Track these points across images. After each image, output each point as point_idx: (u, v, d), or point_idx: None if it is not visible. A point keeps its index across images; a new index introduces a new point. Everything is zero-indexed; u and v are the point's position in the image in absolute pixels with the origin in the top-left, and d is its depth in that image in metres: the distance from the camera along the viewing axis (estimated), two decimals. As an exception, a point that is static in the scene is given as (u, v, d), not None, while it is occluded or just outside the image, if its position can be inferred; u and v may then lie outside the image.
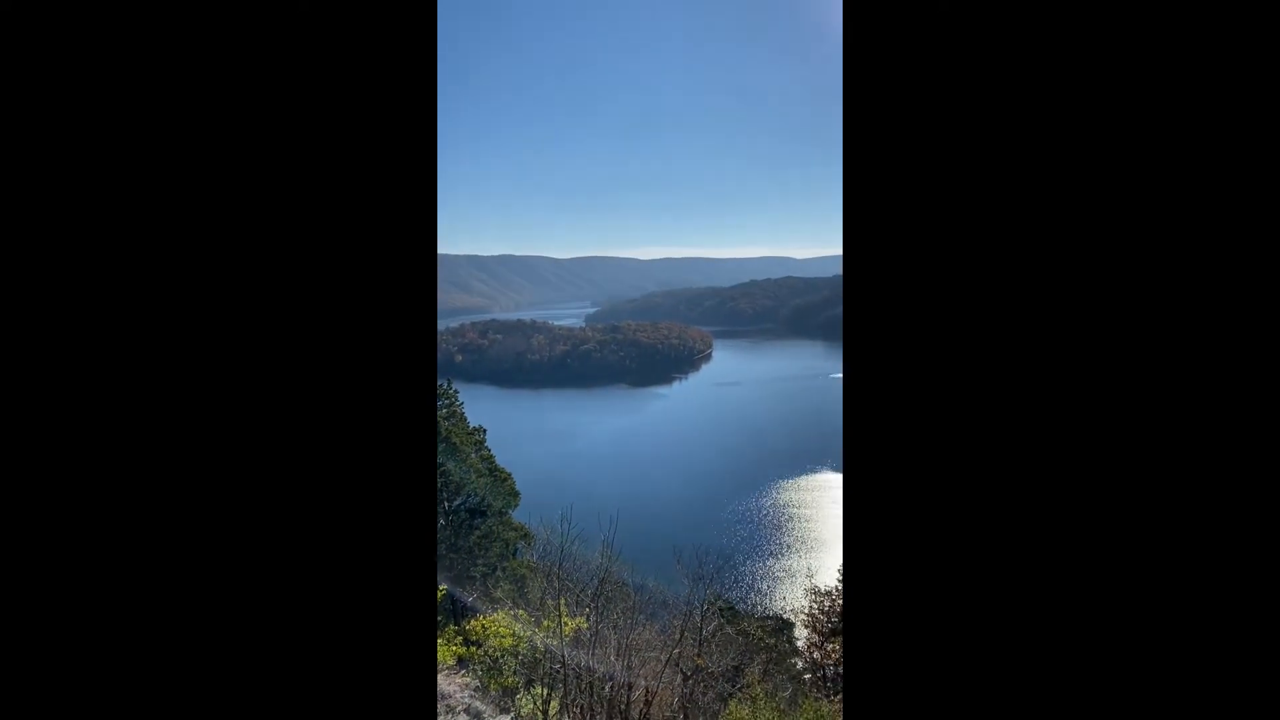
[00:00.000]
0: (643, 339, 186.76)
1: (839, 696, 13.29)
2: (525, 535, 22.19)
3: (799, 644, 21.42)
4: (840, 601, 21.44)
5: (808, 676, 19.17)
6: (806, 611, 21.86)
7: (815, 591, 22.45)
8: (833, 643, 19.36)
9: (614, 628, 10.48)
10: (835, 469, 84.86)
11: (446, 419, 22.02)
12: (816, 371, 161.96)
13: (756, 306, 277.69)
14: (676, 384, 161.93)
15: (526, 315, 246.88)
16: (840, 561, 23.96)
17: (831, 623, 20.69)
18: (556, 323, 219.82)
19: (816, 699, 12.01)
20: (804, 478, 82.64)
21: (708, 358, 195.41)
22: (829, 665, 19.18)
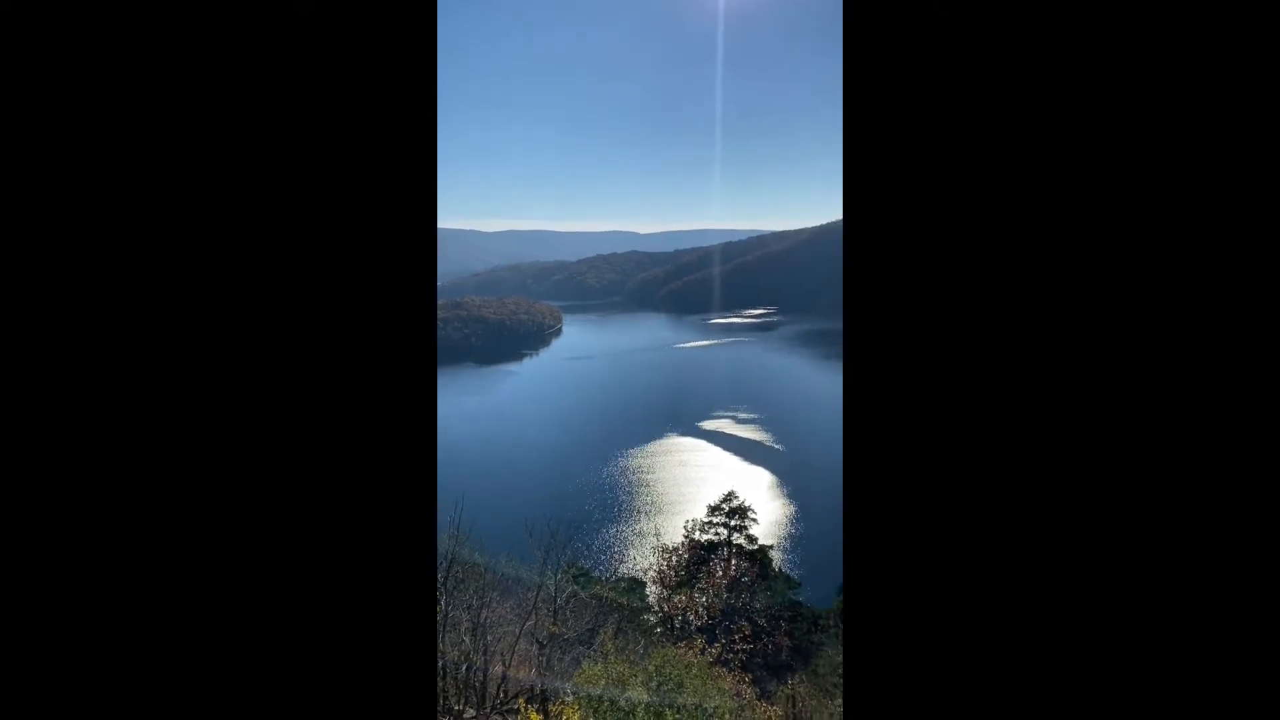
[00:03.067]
0: (489, 315, 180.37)
1: (684, 643, 14.42)
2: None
3: (649, 600, 22.74)
4: (686, 555, 23.08)
5: (659, 630, 20.45)
6: (655, 569, 23.26)
7: (663, 550, 23.95)
8: (679, 594, 20.84)
9: (466, 608, 10.35)
10: (680, 433, 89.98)
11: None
12: (662, 342, 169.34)
13: (603, 280, 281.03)
14: (527, 360, 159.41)
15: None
16: (684, 519, 25.73)
17: (679, 576, 22.24)
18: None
19: (664, 647, 12.94)
20: (652, 444, 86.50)
21: (558, 332, 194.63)
22: (677, 616, 20.64)
